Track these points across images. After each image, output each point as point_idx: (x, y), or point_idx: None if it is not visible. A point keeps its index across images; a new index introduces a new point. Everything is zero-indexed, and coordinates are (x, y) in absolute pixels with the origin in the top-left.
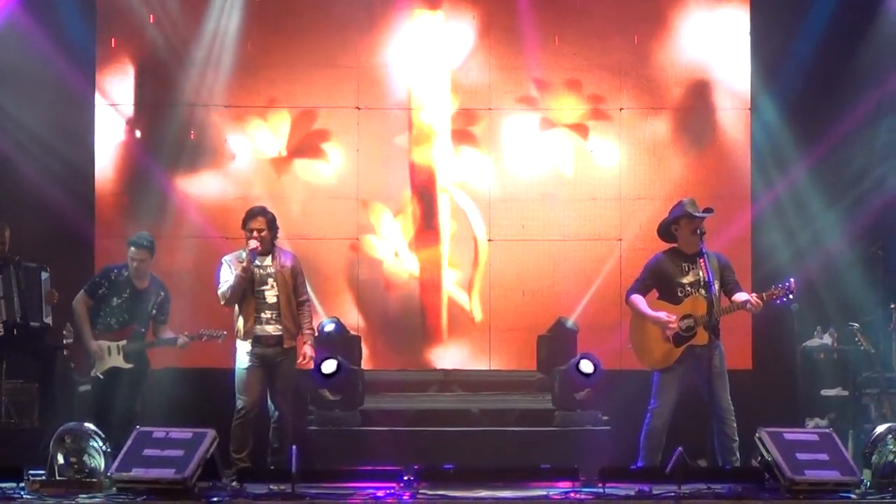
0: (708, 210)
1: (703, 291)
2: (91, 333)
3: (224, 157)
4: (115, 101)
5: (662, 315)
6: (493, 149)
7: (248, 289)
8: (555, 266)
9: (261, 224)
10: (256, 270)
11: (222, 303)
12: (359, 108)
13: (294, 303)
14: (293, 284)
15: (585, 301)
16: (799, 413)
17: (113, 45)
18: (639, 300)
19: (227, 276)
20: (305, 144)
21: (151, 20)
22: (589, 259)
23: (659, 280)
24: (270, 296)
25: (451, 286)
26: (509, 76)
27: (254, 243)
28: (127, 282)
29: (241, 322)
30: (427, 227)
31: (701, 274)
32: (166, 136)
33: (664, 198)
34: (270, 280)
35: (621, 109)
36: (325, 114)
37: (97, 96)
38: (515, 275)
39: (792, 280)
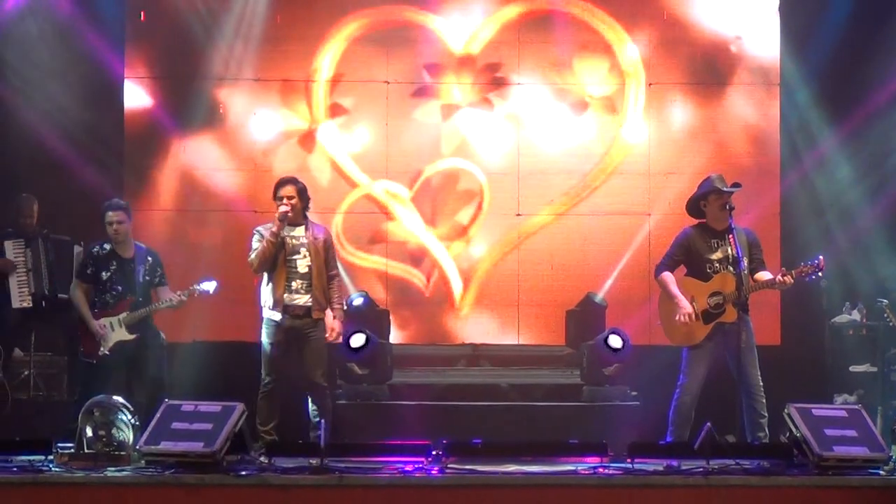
0: (736, 185)
1: (731, 268)
2: (91, 315)
3: (253, 131)
4: (144, 74)
5: (683, 302)
6: (522, 123)
7: (279, 258)
8: (584, 241)
9: (291, 192)
10: (288, 240)
11: (252, 269)
12: (388, 83)
13: (325, 275)
14: (325, 257)
15: (614, 276)
16: (827, 389)
17: (142, 18)
18: (668, 278)
19: (259, 244)
20: (334, 118)
21: None
22: (618, 234)
23: (688, 255)
24: (302, 265)
25: (480, 261)
26: (539, 50)
27: (284, 208)
28: (111, 254)
29: (270, 291)
30: (456, 202)
31: (730, 250)
32: (195, 110)
33: (693, 173)
34: (303, 250)
35: (650, 85)
36: (354, 87)
37: (126, 69)
38: (544, 250)
39: (821, 257)
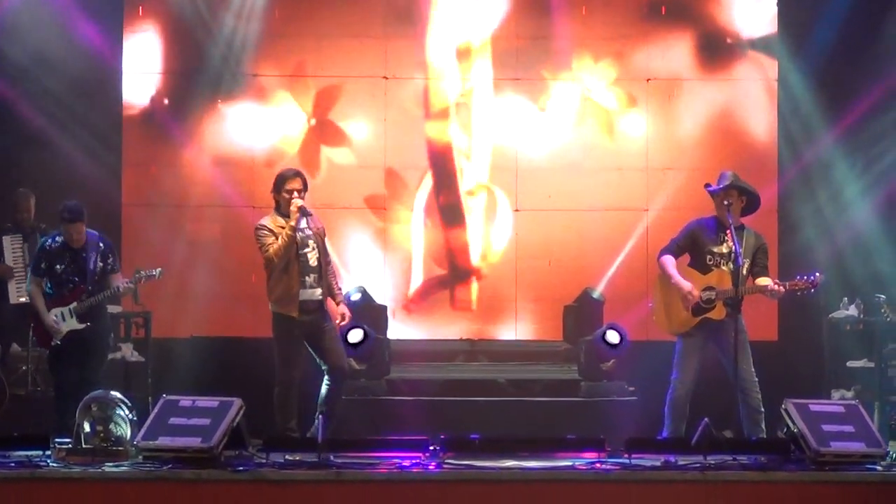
0: (727, 183)
1: (731, 265)
2: (46, 309)
3: (251, 127)
4: (142, 68)
5: (687, 285)
6: (519, 119)
7: (291, 253)
8: (581, 236)
9: (300, 185)
10: (298, 234)
11: (272, 266)
12: (386, 78)
13: (326, 264)
14: (324, 245)
15: (612, 271)
16: (825, 384)
17: (140, 13)
18: (669, 261)
19: (272, 238)
20: (333, 113)
21: None
22: (615, 229)
23: (693, 244)
24: (312, 258)
25: (478, 256)
26: (536, 46)
27: (299, 202)
28: (63, 246)
29: (284, 288)
30: (453, 197)
31: (732, 246)
32: (193, 105)
33: (690, 168)
34: (311, 242)
35: (648, 80)
36: (352, 83)
37: (124, 64)
38: (542, 245)
39: (818, 274)
